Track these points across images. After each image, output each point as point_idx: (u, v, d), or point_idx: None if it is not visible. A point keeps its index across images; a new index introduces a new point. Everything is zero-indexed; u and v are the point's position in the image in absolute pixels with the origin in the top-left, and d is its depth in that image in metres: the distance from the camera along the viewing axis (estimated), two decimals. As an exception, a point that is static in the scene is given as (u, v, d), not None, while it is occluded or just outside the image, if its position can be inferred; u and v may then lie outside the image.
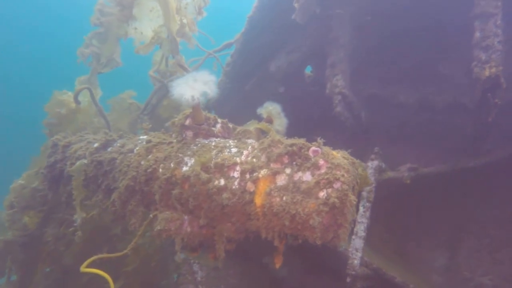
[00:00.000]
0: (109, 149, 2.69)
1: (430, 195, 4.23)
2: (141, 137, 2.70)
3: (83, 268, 2.16)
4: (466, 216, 4.42)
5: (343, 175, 1.92)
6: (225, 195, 2.07)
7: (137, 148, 2.52)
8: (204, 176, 2.14)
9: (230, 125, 2.61)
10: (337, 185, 1.91)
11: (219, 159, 2.16)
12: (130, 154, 2.50)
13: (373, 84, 4.96)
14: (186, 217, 2.29)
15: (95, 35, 4.57)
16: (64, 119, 3.55)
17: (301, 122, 4.26)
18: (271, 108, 2.51)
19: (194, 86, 2.18)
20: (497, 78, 3.26)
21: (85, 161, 2.62)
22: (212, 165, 2.17)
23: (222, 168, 2.13)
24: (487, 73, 3.27)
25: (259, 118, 2.79)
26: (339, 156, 2.03)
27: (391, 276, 3.66)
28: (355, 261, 3.56)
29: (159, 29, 2.98)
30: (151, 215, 2.33)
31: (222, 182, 2.11)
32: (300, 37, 4.77)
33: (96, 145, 2.75)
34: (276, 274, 4.28)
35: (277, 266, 2.37)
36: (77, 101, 3.61)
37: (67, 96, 3.72)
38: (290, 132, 2.53)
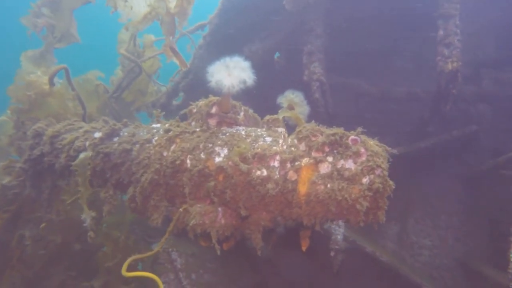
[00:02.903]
0: (115, 139, 2.42)
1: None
2: (154, 125, 2.49)
3: (126, 273, 1.96)
4: (414, 190, 5.09)
5: (382, 162, 2.09)
6: (269, 185, 2.08)
7: (156, 138, 2.32)
8: (244, 166, 2.10)
9: (250, 113, 2.57)
10: (378, 171, 2.07)
11: (259, 149, 2.14)
12: (148, 145, 2.30)
13: (337, 74, 5.27)
14: (220, 209, 2.22)
15: (46, 2, 3.93)
16: (34, 104, 2.98)
17: (270, 109, 4.36)
18: (292, 96, 2.53)
19: (233, 73, 2.09)
20: (456, 72, 3.78)
21: (89, 153, 2.32)
22: (250, 155, 2.13)
23: (264, 158, 2.12)
24: (450, 66, 3.76)
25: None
26: (373, 143, 2.19)
27: (363, 246, 4.11)
28: (338, 237, 3.89)
29: (156, 4, 2.69)
30: (180, 209, 2.20)
31: (265, 172, 2.10)
32: (275, 23, 4.78)
33: (98, 134, 2.44)
34: (260, 255, 4.40)
35: (304, 249, 2.49)
36: (52, 83, 3.07)
37: (36, 77, 3.12)
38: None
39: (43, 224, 2.96)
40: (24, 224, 2.89)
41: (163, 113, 2.54)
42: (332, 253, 3.81)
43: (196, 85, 4.89)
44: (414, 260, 4.63)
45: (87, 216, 2.27)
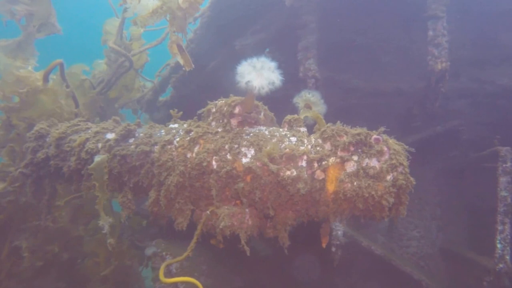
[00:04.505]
0: (131, 141, 2.30)
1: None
2: (172, 125, 2.40)
3: (164, 279, 1.89)
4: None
5: (403, 160, 2.18)
6: (300, 185, 2.09)
7: (177, 139, 2.24)
8: (273, 167, 2.10)
9: (268, 112, 2.55)
10: (400, 168, 2.16)
11: (287, 149, 2.14)
12: (169, 146, 2.22)
13: (326, 68, 5.35)
14: (247, 210, 2.21)
15: (20, -14, 3.61)
16: (25, 102, 2.69)
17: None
18: (309, 96, 2.55)
19: (262, 74, 2.06)
20: (445, 71, 4.00)
21: (106, 156, 2.19)
22: (277, 155, 2.13)
23: (293, 159, 2.13)
24: (439, 66, 3.97)
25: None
26: (393, 142, 2.27)
27: (360, 241, 4.26)
28: (339, 232, 4.00)
29: (167, -2, 2.55)
30: (207, 212, 2.16)
31: (294, 172, 2.11)
32: (267, 17, 4.74)
33: (111, 136, 2.31)
34: (259, 254, 4.42)
35: (324, 245, 2.54)
36: (46, 79, 2.81)
37: (27, 72, 2.82)
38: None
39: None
40: (19, 234, 2.64)
41: (181, 113, 2.44)
42: (333, 249, 3.91)
43: (187, 80, 4.76)
44: (403, 252, 4.86)
45: (105, 223, 2.15)
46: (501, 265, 3.39)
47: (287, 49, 4.76)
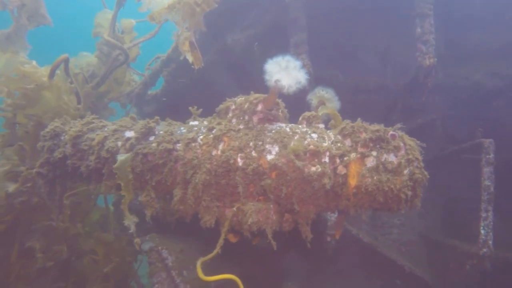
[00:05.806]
0: (151, 138, 2.27)
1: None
2: (192, 122, 2.38)
3: (205, 277, 1.90)
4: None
5: (418, 155, 2.32)
6: (325, 180, 2.17)
7: (201, 136, 2.24)
8: (299, 163, 2.16)
9: (284, 109, 2.60)
10: (415, 163, 2.30)
11: (312, 146, 2.21)
12: (194, 144, 2.21)
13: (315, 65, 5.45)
14: (271, 205, 2.26)
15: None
16: (30, 99, 2.51)
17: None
18: (323, 93, 2.62)
19: (290, 73, 2.10)
20: (433, 67, 4.23)
21: (130, 155, 2.14)
22: (302, 152, 2.19)
23: (318, 155, 2.20)
24: (427, 62, 4.19)
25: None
26: (407, 137, 2.41)
27: (349, 229, 4.46)
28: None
29: (185, -7, 2.49)
30: (234, 208, 2.19)
31: (319, 168, 2.19)
32: (257, 12, 4.74)
33: (131, 134, 2.26)
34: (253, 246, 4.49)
35: (337, 237, 2.66)
36: (52, 75, 2.63)
37: (32, 68, 2.63)
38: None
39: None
40: (30, 235, 2.51)
41: (201, 110, 2.43)
42: (328, 239, 4.06)
43: (178, 74, 4.68)
44: (385, 239, 5.12)
45: (131, 223, 2.11)
46: (484, 250, 3.69)
47: (278, 45, 4.79)
